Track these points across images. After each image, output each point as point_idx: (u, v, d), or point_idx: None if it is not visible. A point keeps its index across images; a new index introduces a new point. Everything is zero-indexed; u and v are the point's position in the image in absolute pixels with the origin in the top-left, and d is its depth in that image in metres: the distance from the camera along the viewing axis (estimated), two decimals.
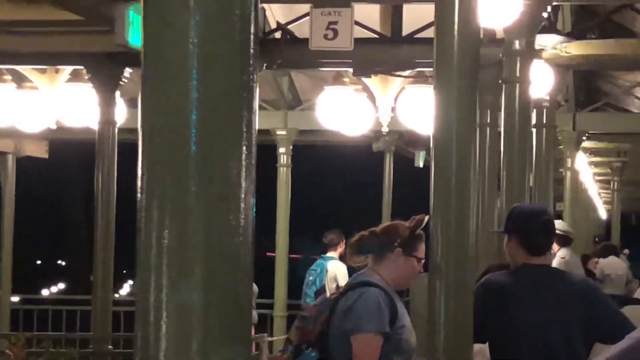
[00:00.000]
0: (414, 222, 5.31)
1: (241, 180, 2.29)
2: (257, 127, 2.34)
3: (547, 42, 9.71)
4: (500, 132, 8.74)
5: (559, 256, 12.46)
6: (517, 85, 8.32)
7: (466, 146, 5.16)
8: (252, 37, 2.29)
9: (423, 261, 5.39)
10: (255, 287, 13.12)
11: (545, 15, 8.30)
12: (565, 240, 12.60)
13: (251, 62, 2.29)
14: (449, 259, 4.95)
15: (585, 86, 20.06)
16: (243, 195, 2.30)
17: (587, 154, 22.76)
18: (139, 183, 2.32)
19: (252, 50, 2.29)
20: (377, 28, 10.32)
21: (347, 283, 5.56)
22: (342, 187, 64.80)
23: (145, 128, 2.30)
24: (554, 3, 8.88)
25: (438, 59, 5.12)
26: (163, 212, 2.27)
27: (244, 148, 2.29)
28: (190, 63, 2.24)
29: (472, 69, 5.18)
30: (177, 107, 2.26)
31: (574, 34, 12.90)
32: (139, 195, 2.32)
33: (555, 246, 12.65)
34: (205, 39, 2.24)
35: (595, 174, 27.77)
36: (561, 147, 17.68)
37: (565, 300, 5.27)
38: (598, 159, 24.91)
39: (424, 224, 5.30)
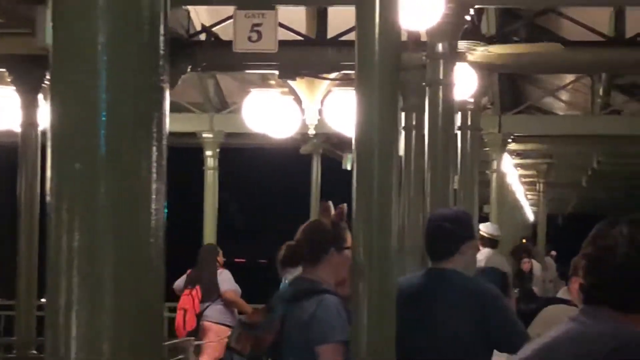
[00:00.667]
0: (337, 216, 5.29)
1: (152, 181, 2.28)
2: (167, 128, 2.33)
3: (471, 45, 9.78)
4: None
5: (479, 258, 12.59)
6: (441, 87, 8.38)
7: (388, 148, 5.17)
8: (162, 38, 2.28)
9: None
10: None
11: (468, 18, 8.36)
12: (491, 242, 12.72)
13: (161, 63, 2.28)
14: (372, 261, 4.96)
15: (510, 89, 20.28)
16: (154, 196, 2.29)
17: (513, 156, 23.00)
18: (48, 185, 2.30)
19: (162, 52, 2.28)
20: (303, 30, 10.34)
21: (292, 290, 5.34)
22: (271, 190, 64.77)
23: (54, 129, 2.28)
24: (477, 6, 8.96)
25: (359, 61, 5.13)
26: (72, 214, 2.26)
27: (154, 149, 2.28)
28: (98, 64, 2.23)
29: (394, 71, 5.21)
30: (86, 108, 2.25)
31: (499, 38, 13.06)
32: (48, 197, 2.30)
33: (480, 248, 12.78)
34: (114, 40, 2.23)
35: (521, 175, 28.07)
36: (487, 149, 17.85)
37: (457, 303, 5.38)
38: (524, 161, 25.18)
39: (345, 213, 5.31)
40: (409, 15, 6.93)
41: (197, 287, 12.73)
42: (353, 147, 5.25)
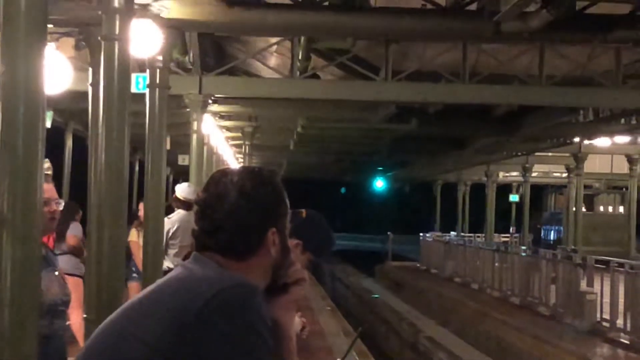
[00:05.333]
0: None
1: None
2: None
3: (156, 1, 9.68)
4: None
5: (173, 219, 12.59)
6: (117, 43, 8.21)
7: (34, 103, 4.96)
8: None
9: None
10: None
11: None
12: (185, 205, 12.71)
13: None
14: (16, 211, 4.78)
15: (214, 50, 20.33)
16: None
17: (217, 118, 23.12)
18: None
19: None
20: None
21: None
22: None
23: None
24: None
25: (5, 12, 4.89)
26: None
27: None
28: None
29: (41, 22, 4.99)
30: None
31: None
32: None
33: (175, 209, 12.79)
34: None
35: (228, 138, 28.28)
36: (188, 110, 17.82)
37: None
38: (229, 123, 25.36)
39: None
40: None
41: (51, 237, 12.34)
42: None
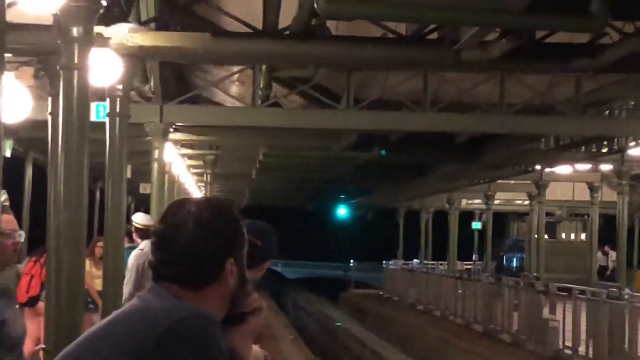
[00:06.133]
0: None
1: None
2: None
3: (115, 30, 9.63)
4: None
5: (138, 247, 12.47)
6: (76, 72, 8.14)
7: None
8: None
9: None
10: None
11: (104, 2, 8.17)
12: (146, 234, 12.57)
13: None
14: None
15: (175, 79, 20.28)
16: None
17: (179, 146, 23.04)
18: None
19: None
20: None
21: None
22: None
23: None
24: None
25: None
26: None
27: None
28: None
29: None
30: None
31: (157, 25, 12.99)
32: None
33: (137, 240, 12.65)
34: None
35: (189, 166, 28.18)
36: (149, 138, 17.73)
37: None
38: (191, 151, 25.28)
39: None
40: None
41: (45, 255, 12.16)
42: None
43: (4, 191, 5.24)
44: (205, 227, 2.53)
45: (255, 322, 2.74)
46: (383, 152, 24.66)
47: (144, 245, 12.44)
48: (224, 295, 2.57)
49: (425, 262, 48.12)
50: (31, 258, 13.08)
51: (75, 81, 8.17)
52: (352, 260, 47.43)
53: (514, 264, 44.55)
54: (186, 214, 2.55)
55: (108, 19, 9.71)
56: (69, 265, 8.42)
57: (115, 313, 2.56)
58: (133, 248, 12.59)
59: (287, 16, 13.42)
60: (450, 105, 18.57)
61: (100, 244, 14.03)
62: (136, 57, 10.84)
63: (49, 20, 9.78)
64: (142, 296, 2.55)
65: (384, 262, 44.46)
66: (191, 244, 2.51)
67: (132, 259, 11.28)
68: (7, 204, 5.33)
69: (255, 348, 5.00)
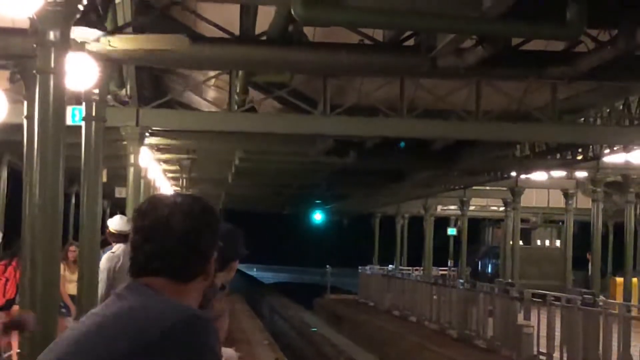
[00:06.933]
0: None
1: None
2: None
3: (92, 34, 9.61)
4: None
5: (110, 251, 12.44)
6: (52, 76, 8.13)
7: None
8: None
9: None
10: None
11: (81, 7, 8.16)
12: (121, 237, 12.55)
13: None
14: None
15: (151, 83, 20.25)
16: None
17: (155, 151, 22.99)
18: None
19: None
20: None
21: None
22: None
23: None
24: None
25: None
26: None
27: None
28: None
29: None
30: None
31: (133, 29, 12.96)
32: None
33: (113, 244, 12.61)
34: None
35: (166, 170, 28.12)
36: (125, 142, 17.70)
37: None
38: (167, 156, 25.23)
39: None
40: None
41: (16, 258, 12.08)
42: None
43: None
44: (197, 220, 2.53)
45: (220, 325, 2.72)
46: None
47: (116, 248, 12.44)
48: (200, 291, 2.57)
49: (401, 267, 48.16)
50: (1, 261, 13.01)
51: (51, 85, 8.17)
52: (328, 266, 47.42)
53: (489, 270, 44.68)
54: (173, 206, 2.53)
55: (84, 23, 9.68)
56: (44, 269, 8.40)
57: (100, 313, 2.50)
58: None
59: (263, 22, 13.43)
60: (426, 112, 18.62)
61: (72, 248, 13.98)
62: (112, 61, 10.81)
63: (25, 24, 9.78)
64: (123, 294, 2.53)
65: (359, 267, 44.46)
66: (186, 235, 2.50)
67: (105, 261, 11.27)
68: None
69: (230, 351, 5.00)
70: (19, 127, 11.17)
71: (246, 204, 54.61)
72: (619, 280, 33.38)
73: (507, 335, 20.69)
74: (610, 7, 12.62)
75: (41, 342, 7.99)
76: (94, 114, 11.61)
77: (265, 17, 13.26)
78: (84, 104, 11.54)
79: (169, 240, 2.50)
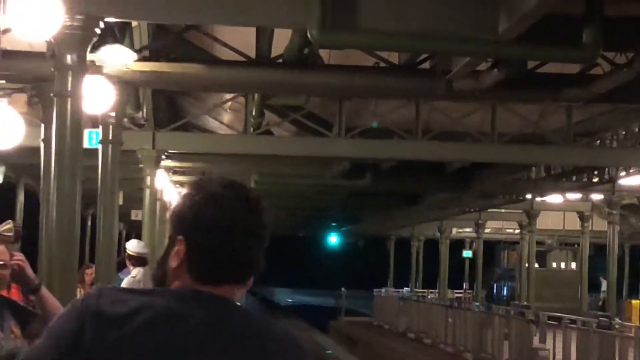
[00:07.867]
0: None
1: None
2: None
3: (110, 58, 9.67)
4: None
5: (130, 275, 12.43)
6: (69, 99, 8.18)
7: None
8: None
9: None
10: None
11: (98, 31, 8.22)
12: (140, 261, 12.57)
13: None
14: None
15: (167, 106, 20.34)
16: None
17: (170, 173, 23.05)
18: None
19: None
20: None
21: None
22: None
23: None
24: (108, 20, 8.80)
25: None
26: None
27: None
28: None
29: None
30: None
31: (150, 53, 13.03)
32: None
33: (131, 267, 12.59)
34: None
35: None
36: (141, 165, 17.77)
37: None
38: (183, 178, 25.27)
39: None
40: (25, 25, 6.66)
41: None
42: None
43: (9, 221, 5.21)
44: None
45: None
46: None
47: (136, 272, 12.43)
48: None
49: (416, 290, 48.05)
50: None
51: (68, 108, 8.21)
52: (342, 288, 47.34)
53: (505, 292, 44.52)
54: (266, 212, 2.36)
55: (102, 47, 9.73)
56: (61, 292, 8.41)
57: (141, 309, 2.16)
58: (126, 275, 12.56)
59: (279, 45, 13.48)
60: (442, 134, 18.62)
61: (89, 270, 14.00)
62: (129, 85, 10.87)
63: (43, 48, 9.84)
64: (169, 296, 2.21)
65: (374, 290, 44.37)
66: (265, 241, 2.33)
67: (126, 286, 11.26)
68: (9, 234, 5.26)
69: None
70: (36, 150, 11.23)
71: None
72: (635, 302, 33.21)
73: (522, 358, 20.60)
74: (626, 29, 12.62)
75: None
76: (110, 137, 11.67)
77: (281, 40, 13.30)
78: (100, 127, 11.60)
79: (262, 247, 2.32)
